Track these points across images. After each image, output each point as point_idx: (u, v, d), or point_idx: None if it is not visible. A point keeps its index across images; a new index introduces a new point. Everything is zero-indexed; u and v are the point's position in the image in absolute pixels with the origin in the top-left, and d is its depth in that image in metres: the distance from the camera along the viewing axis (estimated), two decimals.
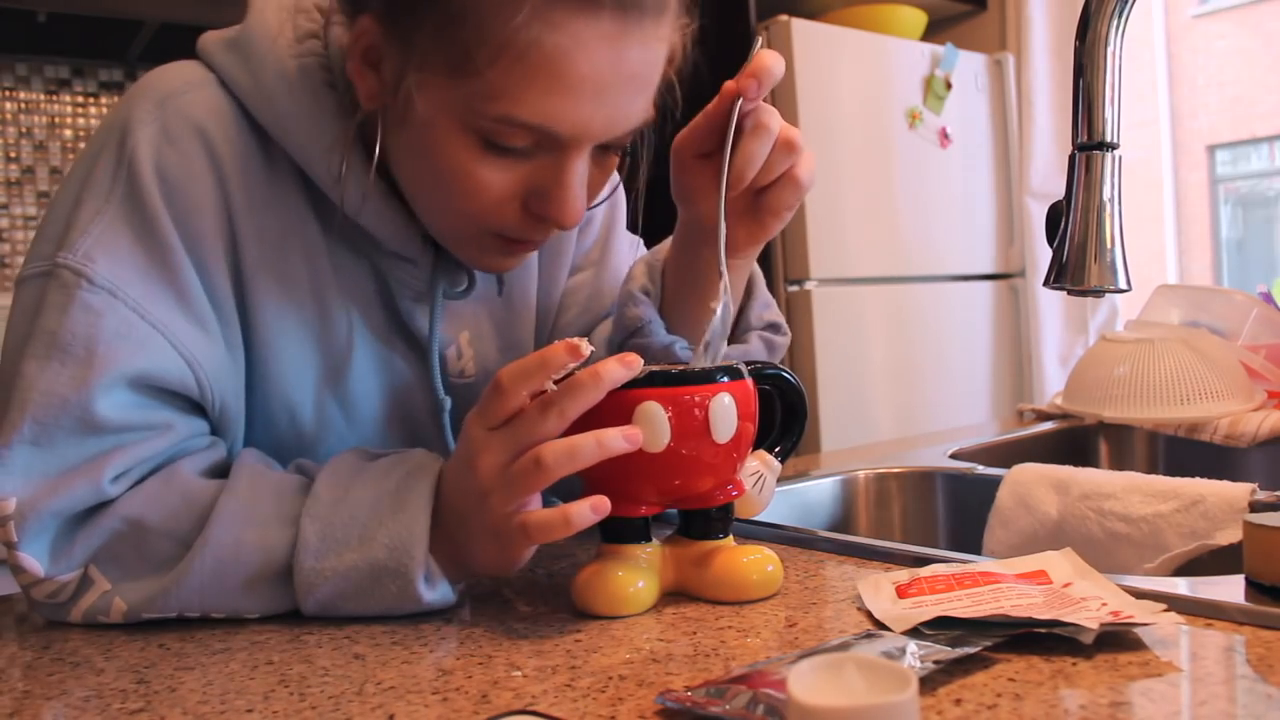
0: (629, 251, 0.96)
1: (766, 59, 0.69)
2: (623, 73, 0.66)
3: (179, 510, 0.65)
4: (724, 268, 0.70)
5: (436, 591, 0.64)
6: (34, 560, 0.64)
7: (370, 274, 0.78)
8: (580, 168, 0.69)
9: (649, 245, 0.88)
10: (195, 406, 0.70)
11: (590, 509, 0.58)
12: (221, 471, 0.69)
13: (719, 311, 0.69)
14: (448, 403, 0.80)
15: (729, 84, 0.69)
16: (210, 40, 0.75)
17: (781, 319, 0.83)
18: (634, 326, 0.79)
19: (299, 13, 0.75)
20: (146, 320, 0.66)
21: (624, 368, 0.60)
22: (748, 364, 0.68)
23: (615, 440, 0.59)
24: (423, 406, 0.81)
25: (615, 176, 0.95)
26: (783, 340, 0.82)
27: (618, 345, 0.80)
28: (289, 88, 0.72)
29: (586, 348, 0.60)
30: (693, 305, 0.79)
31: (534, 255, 0.88)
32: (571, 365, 0.60)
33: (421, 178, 0.72)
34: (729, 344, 0.79)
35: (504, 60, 0.64)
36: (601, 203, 0.84)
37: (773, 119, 0.69)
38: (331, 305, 0.76)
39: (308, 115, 0.72)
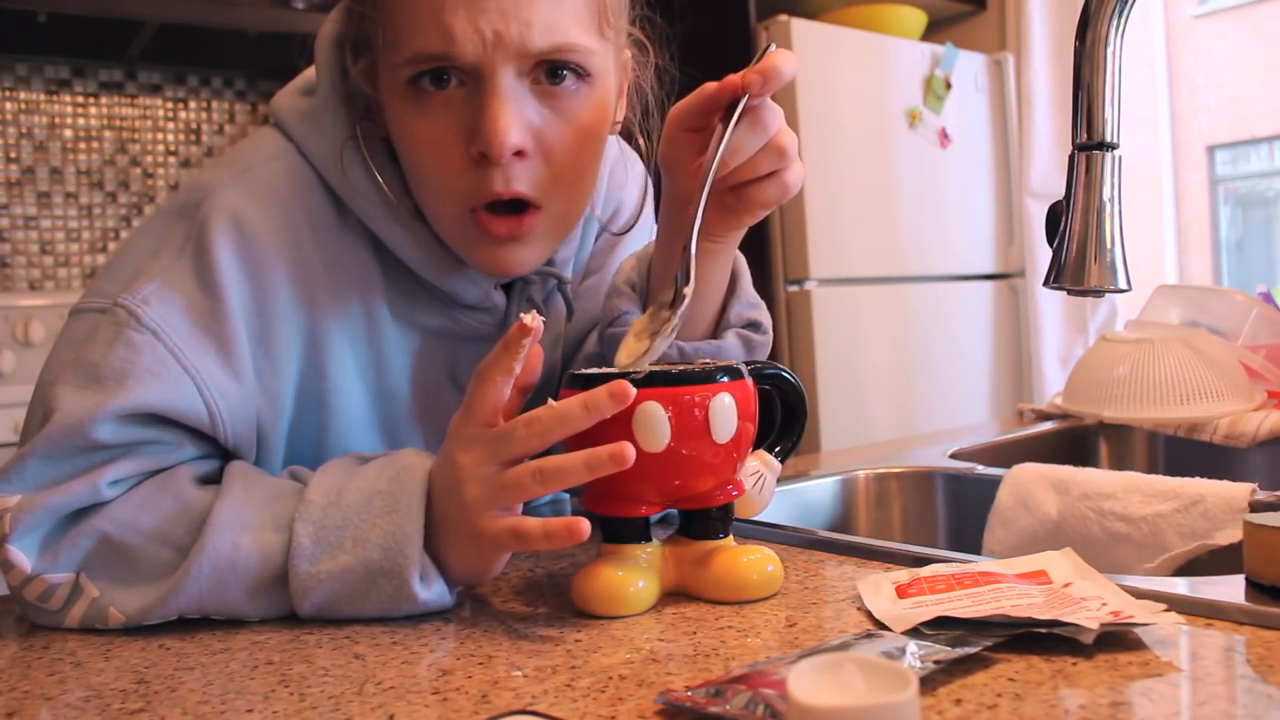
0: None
1: (778, 59, 0.68)
2: None
3: (172, 515, 0.66)
4: (693, 251, 0.68)
5: (432, 591, 0.64)
6: (22, 555, 0.65)
7: (438, 329, 0.80)
8: (501, 94, 0.69)
9: None
10: (210, 441, 0.71)
11: (565, 530, 0.60)
12: (215, 479, 0.70)
13: (672, 321, 0.68)
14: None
15: (733, 76, 0.69)
16: (287, 110, 0.78)
17: (765, 319, 0.82)
18: (612, 317, 0.80)
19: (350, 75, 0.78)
20: (180, 362, 0.68)
21: (612, 401, 0.60)
22: (748, 364, 0.68)
23: (602, 463, 0.59)
24: None
25: (648, 181, 0.95)
26: (761, 339, 0.81)
27: (599, 335, 0.83)
28: (360, 166, 0.75)
29: (533, 320, 0.62)
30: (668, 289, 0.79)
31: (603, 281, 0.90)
32: (527, 341, 0.62)
33: (410, 176, 0.75)
34: (706, 340, 0.79)
35: (383, 9, 0.70)
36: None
37: (773, 119, 0.69)
38: (388, 362, 0.78)
39: (380, 194, 0.75)
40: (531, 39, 0.69)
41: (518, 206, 0.73)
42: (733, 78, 0.69)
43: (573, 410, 0.60)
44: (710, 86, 0.70)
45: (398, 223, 0.76)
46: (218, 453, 0.73)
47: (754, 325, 0.81)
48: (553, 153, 0.72)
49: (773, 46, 0.71)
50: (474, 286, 0.79)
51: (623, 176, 0.95)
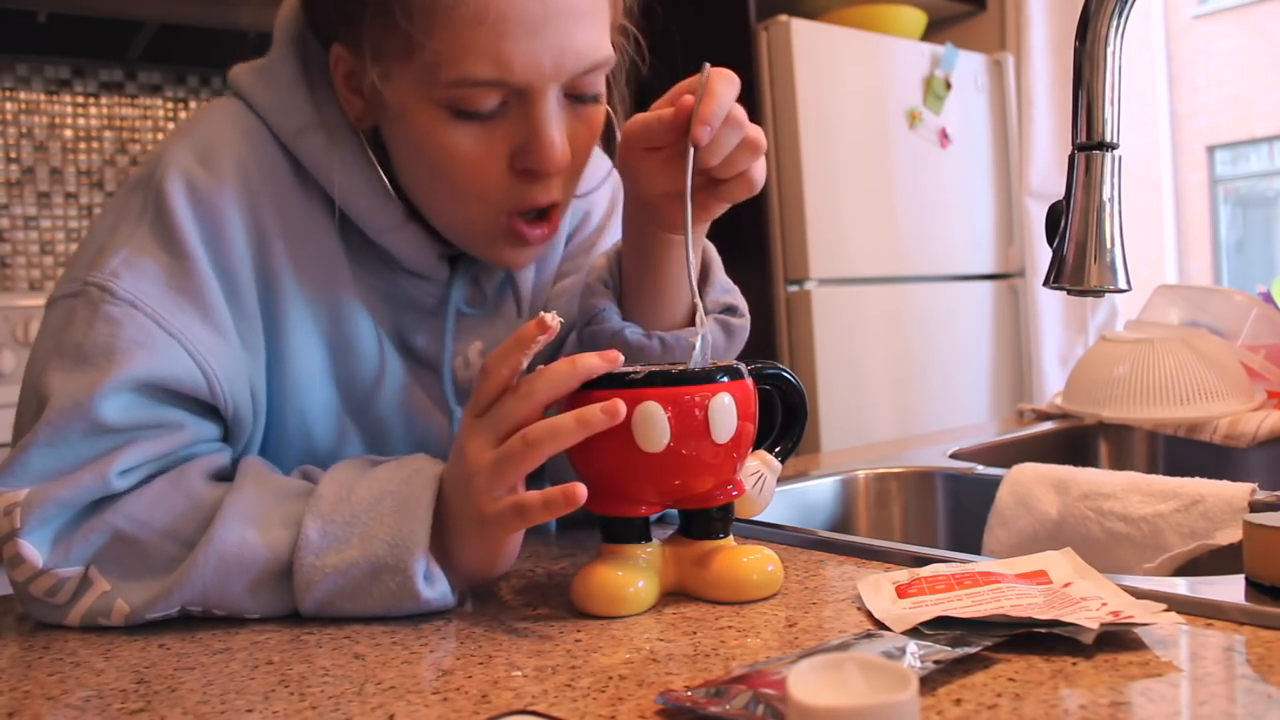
0: None
1: (712, 102, 0.66)
2: (551, 6, 0.68)
3: (184, 512, 0.66)
4: (698, 299, 0.69)
5: (435, 590, 0.64)
6: (33, 549, 0.64)
7: (382, 291, 0.80)
8: (550, 113, 0.71)
9: None
10: (208, 409, 0.71)
11: (562, 496, 0.60)
12: (227, 476, 0.70)
13: (698, 344, 0.68)
14: (458, 412, 0.82)
15: (687, 97, 0.68)
16: (239, 71, 0.78)
17: (741, 302, 0.82)
18: (589, 315, 0.80)
19: (311, 44, 0.78)
20: (164, 328, 0.68)
21: (602, 362, 0.62)
22: (749, 364, 0.68)
23: (595, 416, 0.60)
24: (432, 418, 0.82)
25: (619, 181, 0.95)
26: (739, 323, 0.80)
27: (577, 331, 0.82)
28: (308, 108, 0.75)
29: (553, 320, 0.62)
30: (647, 288, 0.78)
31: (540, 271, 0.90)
32: (541, 339, 0.62)
33: (420, 175, 0.75)
34: (685, 329, 0.79)
35: (438, 26, 0.67)
36: (597, 188, 0.88)
37: (743, 114, 0.69)
38: (347, 318, 0.78)
39: (326, 136, 0.75)
40: (581, 63, 0.70)
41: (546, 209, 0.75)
42: (686, 100, 0.67)
43: (566, 425, 0.60)
44: (667, 113, 0.69)
45: (350, 172, 0.75)
46: (222, 434, 0.73)
47: (730, 309, 0.81)
48: (576, 155, 0.75)
49: (705, 72, 0.69)
50: (417, 252, 0.78)
51: (593, 183, 0.94)
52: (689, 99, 0.68)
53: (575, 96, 0.73)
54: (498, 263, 0.78)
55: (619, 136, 0.78)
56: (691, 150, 0.68)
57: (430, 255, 0.79)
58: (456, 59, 0.68)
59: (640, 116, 0.72)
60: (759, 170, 0.72)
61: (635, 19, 0.80)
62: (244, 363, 0.72)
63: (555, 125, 0.71)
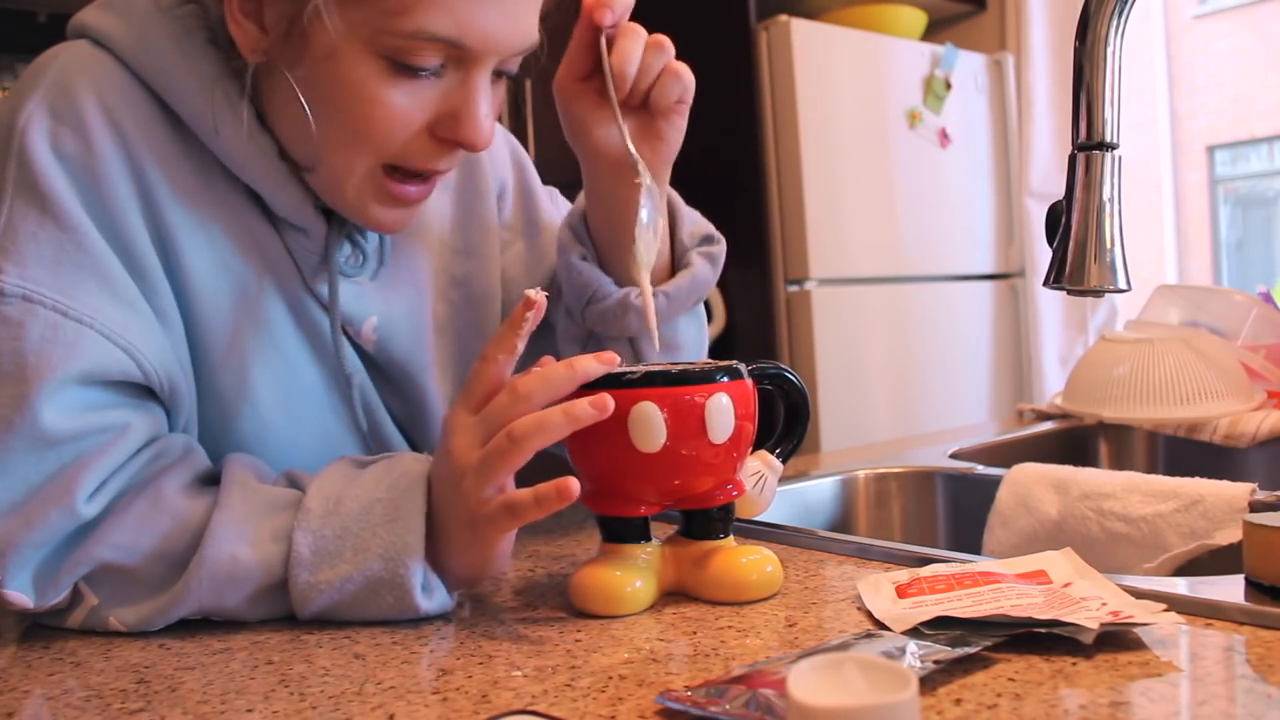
0: (551, 206, 0.95)
1: None
2: None
3: (169, 532, 0.64)
4: (630, 145, 0.73)
5: (434, 600, 0.63)
6: (21, 595, 0.62)
7: (280, 240, 0.75)
8: (486, 87, 0.70)
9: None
10: (145, 392, 0.68)
11: (555, 492, 0.59)
12: (206, 480, 0.68)
13: (643, 191, 0.71)
14: (357, 377, 0.78)
15: (588, 3, 0.72)
16: (82, 12, 0.72)
17: (711, 228, 0.84)
18: (586, 294, 0.80)
19: None
20: (71, 317, 0.62)
21: (599, 364, 0.61)
22: (749, 364, 0.68)
23: (583, 410, 0.59)
24: (334, 375, 0.79)
25: (517, 143, 0.96)
26: (719, 249, 0.82)
27: (579, 314, 0.82)
28: (167, 40, 0.69)
29: (537, 294, 0.62)
30: (624, 244, 0.78)
31: (435, 238, 0.86)
32: (530, 315, 0.62)
33: (315, 120, 0.69)
34: (676, 273, 0.81)
35: None
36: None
37: (638, 27, 0.72)
38: (252, 264, 0.73)
39: (188, 67, 0.69)
40: (525, 42, 0.71)
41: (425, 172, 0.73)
42: (587, 1, 0.72)
43: (553, 418, 0.60)
44: (577, 30, 0.73)
45: (226, 116, 0.69)
46: (165, 420, 0.69)
47: (708, 239, 0.83)
48: None
49: None
50: (292, 201, 0.73)
51: (499, 151, 0.93)
52: (587, 3, 0.72)
53: (498, 72, 0.72)
54: (366, 223, 0.74)
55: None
56: (604, 42, 0.72)
57: (307, 205, 0.73)
58: (420, 9, 0.64)
59: (562, 62, 0.75)
60: (682, 66, 0.74)
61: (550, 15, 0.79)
62: (162, 333, 0.68)
63: (486, 100, 0.70)
